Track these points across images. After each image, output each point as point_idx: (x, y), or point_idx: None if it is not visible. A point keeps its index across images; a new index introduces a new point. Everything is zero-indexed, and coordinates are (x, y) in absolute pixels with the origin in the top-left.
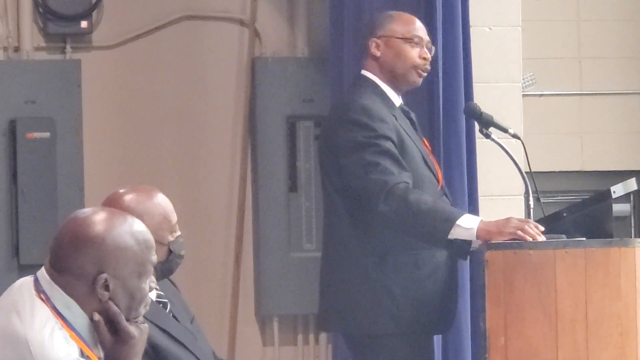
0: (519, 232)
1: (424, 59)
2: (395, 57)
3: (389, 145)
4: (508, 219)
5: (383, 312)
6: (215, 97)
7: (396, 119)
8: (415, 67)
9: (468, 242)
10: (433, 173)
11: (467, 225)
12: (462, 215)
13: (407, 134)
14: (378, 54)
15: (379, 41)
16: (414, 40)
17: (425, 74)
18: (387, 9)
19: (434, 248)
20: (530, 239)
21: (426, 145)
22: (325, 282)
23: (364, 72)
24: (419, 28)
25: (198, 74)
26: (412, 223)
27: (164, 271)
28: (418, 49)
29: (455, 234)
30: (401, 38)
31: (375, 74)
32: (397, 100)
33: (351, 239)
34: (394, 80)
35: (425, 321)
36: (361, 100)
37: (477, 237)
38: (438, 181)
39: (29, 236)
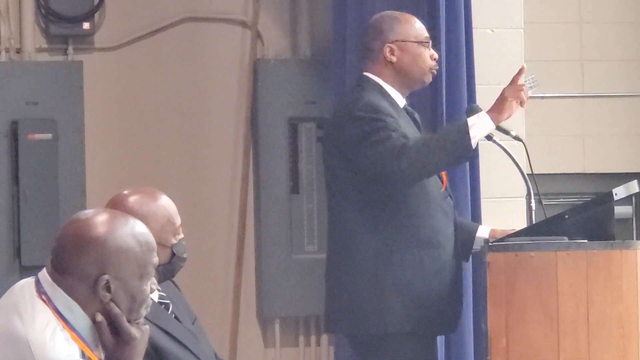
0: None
1: (435, 58)
2: (413, 61)
3: (396, 126)
4: (503, 98)
5: (390, 311)
6: (217, 99)
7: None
8: (430, 68)
9: (470, 245)
10: (438, 175)
11: (478, 121)
12: (466, 123)
13: (411, 135)
14: (394, 59)
15: (393, 46)
16: (426, 42)
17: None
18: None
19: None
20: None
21: None
22: (331, 283)
23: (367, 74)
24: (424, 28)
25: (200, 75)
26: (434, 158)
27: (166, 273)
28: (428, 50)
29: (475, 137)
30: (416, 42)
31: (380, 76)
32: (401, 101)
33: (356, 239)
34: (407, 83)
35: (432, 320)
36: (366, 98)
37: (495, 123)
38: (442, 182)
39: (31, 237)
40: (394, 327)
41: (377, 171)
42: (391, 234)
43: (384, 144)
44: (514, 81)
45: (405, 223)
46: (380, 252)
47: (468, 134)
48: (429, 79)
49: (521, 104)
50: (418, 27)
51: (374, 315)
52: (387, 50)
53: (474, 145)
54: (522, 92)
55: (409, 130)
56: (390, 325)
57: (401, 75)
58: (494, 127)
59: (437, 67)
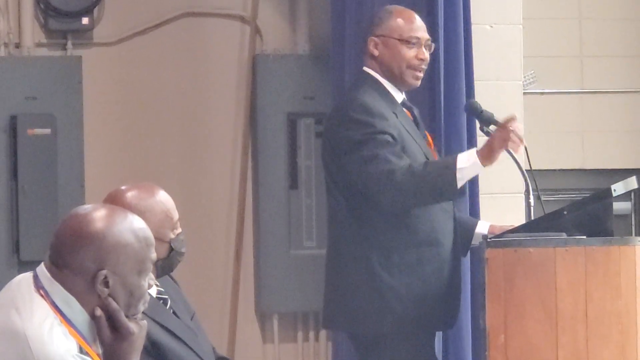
0: (509, 146)
1: (421, 59)
2: (392, 57)
3: (387, 137)
4: (492, 140)
5: (388, 311)
6: (216, 94)
7: (397, 116)
8: (410, 67)
9: (468, 240)
10: None
11: (467, 164)
12: (456, 160)
13: (408, 132)
14: (376, 53)
15: (377, 40)
16: (411, 41)
17: (422, 75)
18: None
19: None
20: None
21: (429, 141)
22: (330, 280)
23: (366, 69)
24: (418, 27)
25: (199, 71)
26: (418, 195)
27: (165, 268)
28: (415, 50)
29: (462, 178)
30: (398, 39)
31: (376, 71)
32: (399, 96)
33: (355, 238)
34: (392, 79)
35: (430, 319)
36: (362, 98)
37: (485, 166)
38: None
39: (30, 232)
40: (393, 328)
41: (362, 191)
42: (390, 234)
43: (371, 164)
44: (504, 127)
45: (404, 222)
46: (379, 251)
47: (455, 177)
48: (410, 79)
49: (514, 145)
50: (408, 25)
51: (372, 315)
52: (371, 44)
53: (459, 186)
54: (511, 135)
55: (403, 131)
56: (388, 326)
57: (383, 71)
58: (482, 169)
59: (423, 67)
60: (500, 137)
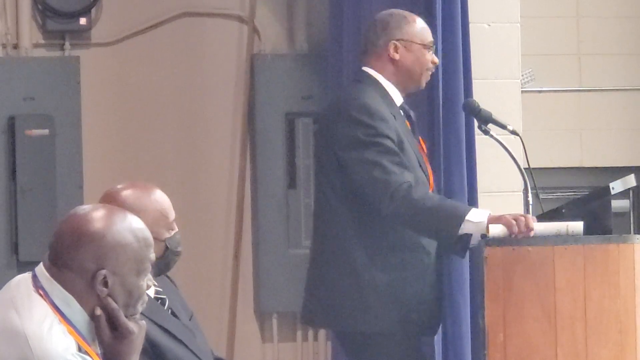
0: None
1: (434, 63)
2: (415, 62)
3: (389, 143)
4: (516, 217)
5: (369, 310)
6: (214, 94)
7: (395, 118)
8: (428, 70)
9: (467, 239)
10: (426, 177)
11: (476, 220)
12: (470, 210)
13: (405, 136)
14: (397, 57)
15: (398, 44)
16: (431, 46)
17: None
18: (387, 6)
19: (443, 243)
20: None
21: (422, 148)
22: (313, 277)
23: (367, 69)
24: (430, 33)
25: (197, 70)
26: (420, 221)
27: (161, 267)
28: (431, 54)
29: (465, 229)
30: (421, 44)
31: (380, 72)
32: (398, 99)
33: (341, 236)
34: (405, 82)
35: (411, 322)
36: (362, 98)
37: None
38: (429, 186)
39: (28, 233)
40: (373, 327)
41: (364, 192)
42: (376, 235)
43: (374, 170)
44: (527, 225)
45: (390, 225)
46: (363, 251)
47: (458, 228)
48: (425, 81)
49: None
50: (425, 30)
51: (353, 313)
52: (391, 47)
53: (458, 234)
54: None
55: (401, 135)
56: (368, 325)
57: (401, 74)
58: (487, 231)
59: (433, 70)
60: (512, 224)
